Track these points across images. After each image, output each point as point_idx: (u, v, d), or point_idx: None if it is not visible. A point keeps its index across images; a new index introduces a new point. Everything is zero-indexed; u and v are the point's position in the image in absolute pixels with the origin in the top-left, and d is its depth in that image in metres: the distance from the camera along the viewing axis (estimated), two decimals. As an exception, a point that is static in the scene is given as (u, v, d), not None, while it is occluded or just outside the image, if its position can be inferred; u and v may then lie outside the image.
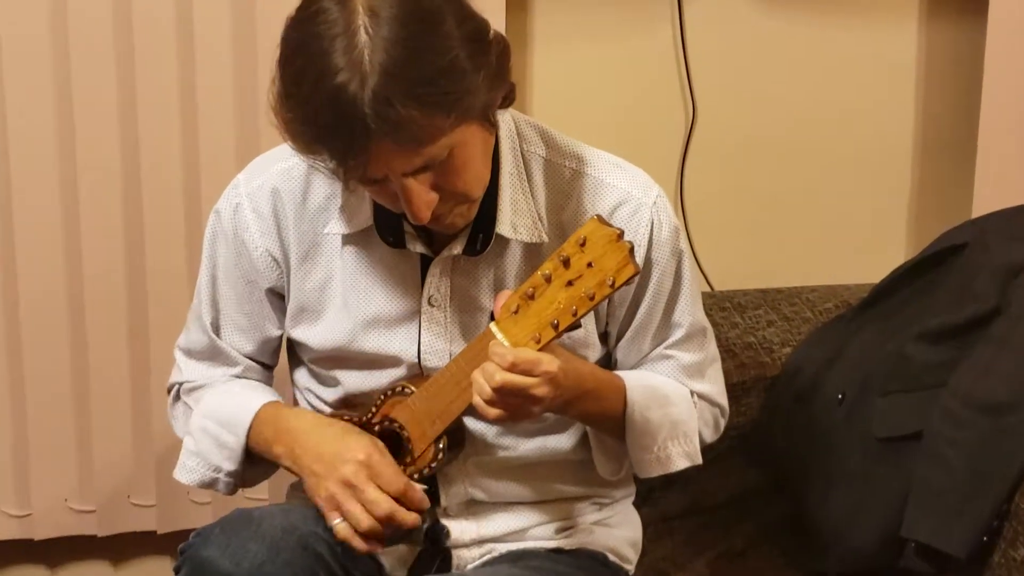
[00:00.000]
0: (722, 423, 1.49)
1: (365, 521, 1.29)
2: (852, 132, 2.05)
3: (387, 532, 1.31)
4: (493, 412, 1.24)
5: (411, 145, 1.16)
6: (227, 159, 1.87)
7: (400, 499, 1.30)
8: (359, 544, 1.31)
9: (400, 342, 1.38)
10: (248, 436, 1.38)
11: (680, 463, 1.41)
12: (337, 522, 1.31)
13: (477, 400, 1.24)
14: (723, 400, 1.48)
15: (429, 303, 1.37)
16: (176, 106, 1.87)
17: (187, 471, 1.42)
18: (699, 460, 1.43)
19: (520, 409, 1.25)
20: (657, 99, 2.02)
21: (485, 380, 1.23)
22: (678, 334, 1.43)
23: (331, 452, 1.31)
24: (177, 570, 1.33)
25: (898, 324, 1.67)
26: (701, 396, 1.45)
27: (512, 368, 1.21)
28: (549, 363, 1.22)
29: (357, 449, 1.31)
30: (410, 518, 1.30)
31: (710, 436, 1.47)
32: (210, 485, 1.42)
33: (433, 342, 1.37)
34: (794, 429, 1.71)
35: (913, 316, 1.66)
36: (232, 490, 1.43)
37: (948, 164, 2.07)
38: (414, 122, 1.14)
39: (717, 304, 1.82)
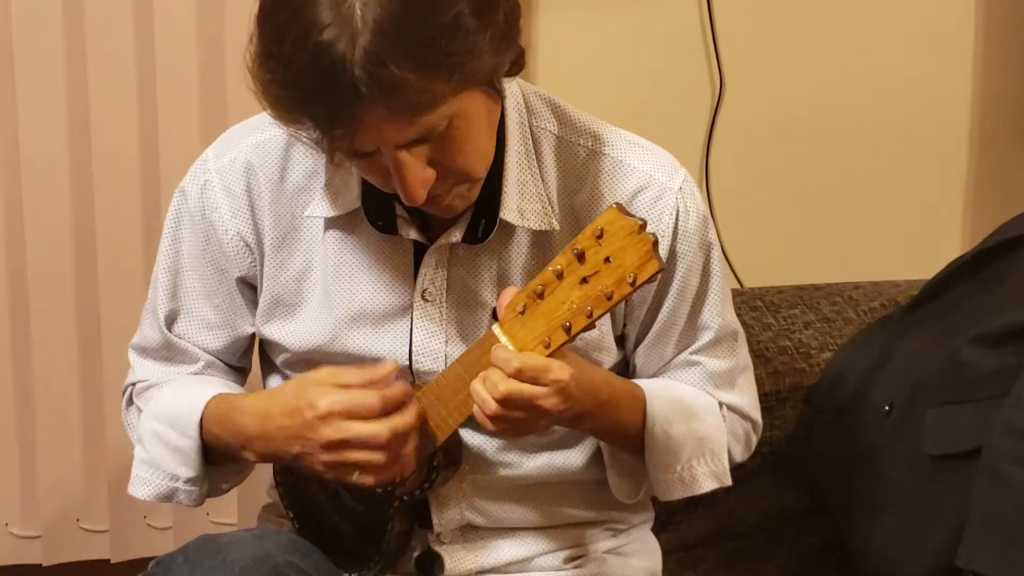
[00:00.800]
0: (754, 439, 1.50)
1: (378, 457, 1.27)
2: (901, 109, 2.06)
3: (404, 447, 1.29)
4: (496, 426, 1.23)
5: (406, 113, 1.16)
6: (190, 134, 1.86)
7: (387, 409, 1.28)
8: (401, 477, 1.29)
9: (389, 342, 1.37)
10: (201, 434, 1.37)
11: (707, 484, 1.41)
12: (356, 477, 1.29)
13: (478, 412, 1.23)
14: (756, 413, 1.48)
15: (423, 297, 1.36)
16: (131, 71, 1.86)
17: (141, 483, 1.41)
18: (728, 481, 1.43)
19: (526, 422, 1.24)
20: (679, 70, 2.02)
21: (488, 390, 1.22)
22: (706, 338, 1.42)
23: (292, 421, 1.29)
24: (133, 605, 1.32)
25: (953, 326, 1.67)
26: (731, 408, 1.45)
27: (518, 375, 1.21)
28: (559, 370, 1.22)
29: (315, 400, 1.27)
30: (410, 418, 1.27)
31: (740, 454, 1.48)
32: (170, 497, 1.41)
33: (427, 342, 1.37)
34: (835, 445, 1.71)
35: (970, 316, 1.65)
36: (198, 500, 1.42)
37: (1009, 146, 2.09)
38: (410, 86, 1.13)
39: (747, 303, 1.82)
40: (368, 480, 1.29)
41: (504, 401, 1.21)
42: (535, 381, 1.21)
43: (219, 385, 1.42)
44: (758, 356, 1.74)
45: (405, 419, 1.27)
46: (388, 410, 1.27)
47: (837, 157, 2.07)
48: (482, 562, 1.43)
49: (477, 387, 1.23)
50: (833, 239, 2.09)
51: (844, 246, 2.08)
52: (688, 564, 1.72)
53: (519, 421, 1.23)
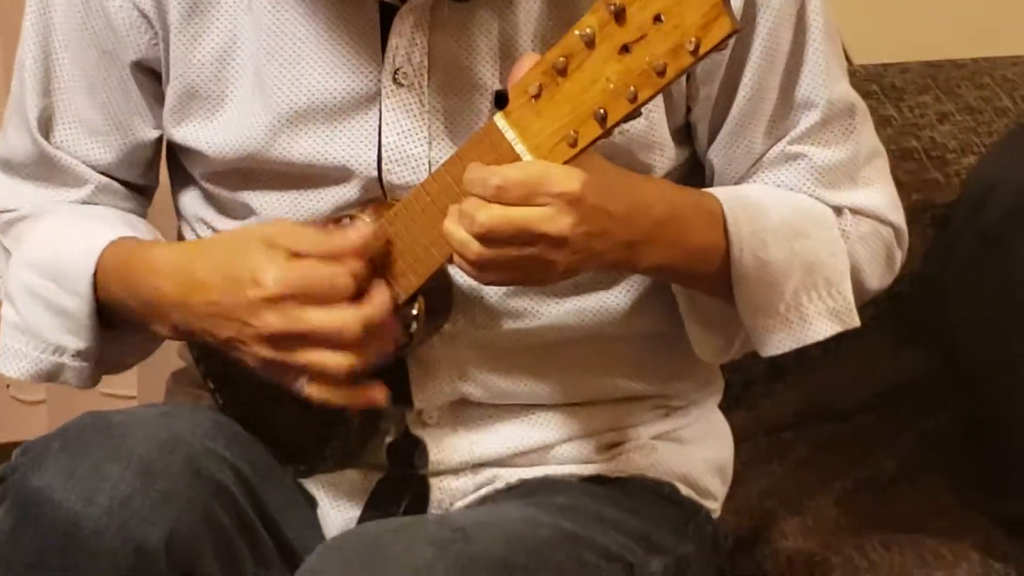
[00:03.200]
0: (898, 255, 1.50)
1: (341, 362, 1.28)
2: None
3: (384, 349, 1.30)
4: (491, 277, 1.25)
5: None
6: None
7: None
8: (365, 396, 1.31)
9: (349, 144, 1.39)
10: (96, 292, 1.39)
11: (823, 327, 1.42)
12: (305, 386, 1.31)
13: (458, 260, 1.24)
14: (896, 216, 1.48)
15: (395, 80, 1.37)
16: None
17: (14, 357, 1.44)
18: (854, 321, 1.43)
19: (535, 264, 1.24)
20: None
21: (464, 227, 1.22)
22: (810, 118, 1.43)
23: (226, 297, 1.30)
24: (-8, 505, 1.35)
25: None
26: (856, 211, 1.45)
27: (500, 196, 1.20)
28: (564, 178, 1.21)
29: (261, 273, 1.28)
30: (384, 301, 1.28)
31: (879, 276, 1.49)
32: (53, 376, 1.44)
33: (402, 144, 1.38)
34: (981, 289, 1.74)
35: None
36: (91, 379, 1.45)
37: None
38: None
39: (857, 86, 1.76)
40: (318, 393, 1.30)
41: (488, 238, 1.21)
42: (529, 200, 1.20)
43: (118, 224, 1.44)
44: (873, 162, 1.76)
45: (377, 304, 1.28)
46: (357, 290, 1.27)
47: None
48: (480, 451, 1.45)
49: (452, 227, 1.23)
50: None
51: (997, 4, 2.07)
52: (770, 454, 1.75)
53: (524, 264, 1.23)
